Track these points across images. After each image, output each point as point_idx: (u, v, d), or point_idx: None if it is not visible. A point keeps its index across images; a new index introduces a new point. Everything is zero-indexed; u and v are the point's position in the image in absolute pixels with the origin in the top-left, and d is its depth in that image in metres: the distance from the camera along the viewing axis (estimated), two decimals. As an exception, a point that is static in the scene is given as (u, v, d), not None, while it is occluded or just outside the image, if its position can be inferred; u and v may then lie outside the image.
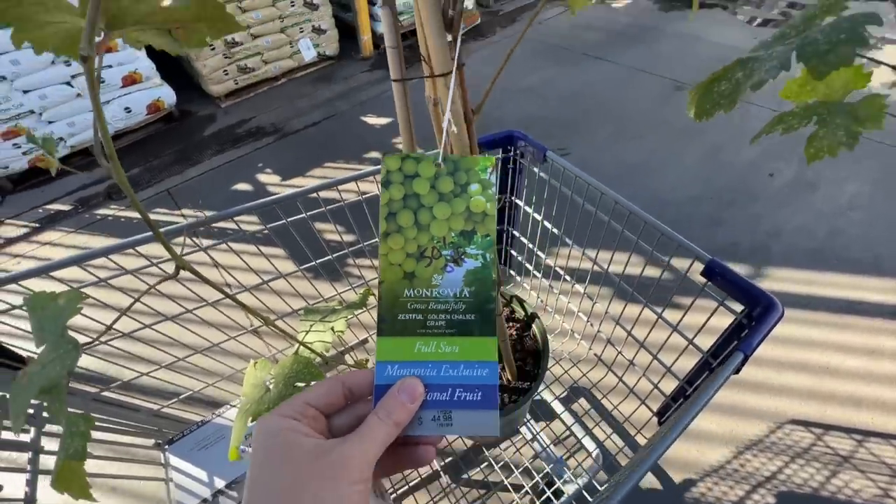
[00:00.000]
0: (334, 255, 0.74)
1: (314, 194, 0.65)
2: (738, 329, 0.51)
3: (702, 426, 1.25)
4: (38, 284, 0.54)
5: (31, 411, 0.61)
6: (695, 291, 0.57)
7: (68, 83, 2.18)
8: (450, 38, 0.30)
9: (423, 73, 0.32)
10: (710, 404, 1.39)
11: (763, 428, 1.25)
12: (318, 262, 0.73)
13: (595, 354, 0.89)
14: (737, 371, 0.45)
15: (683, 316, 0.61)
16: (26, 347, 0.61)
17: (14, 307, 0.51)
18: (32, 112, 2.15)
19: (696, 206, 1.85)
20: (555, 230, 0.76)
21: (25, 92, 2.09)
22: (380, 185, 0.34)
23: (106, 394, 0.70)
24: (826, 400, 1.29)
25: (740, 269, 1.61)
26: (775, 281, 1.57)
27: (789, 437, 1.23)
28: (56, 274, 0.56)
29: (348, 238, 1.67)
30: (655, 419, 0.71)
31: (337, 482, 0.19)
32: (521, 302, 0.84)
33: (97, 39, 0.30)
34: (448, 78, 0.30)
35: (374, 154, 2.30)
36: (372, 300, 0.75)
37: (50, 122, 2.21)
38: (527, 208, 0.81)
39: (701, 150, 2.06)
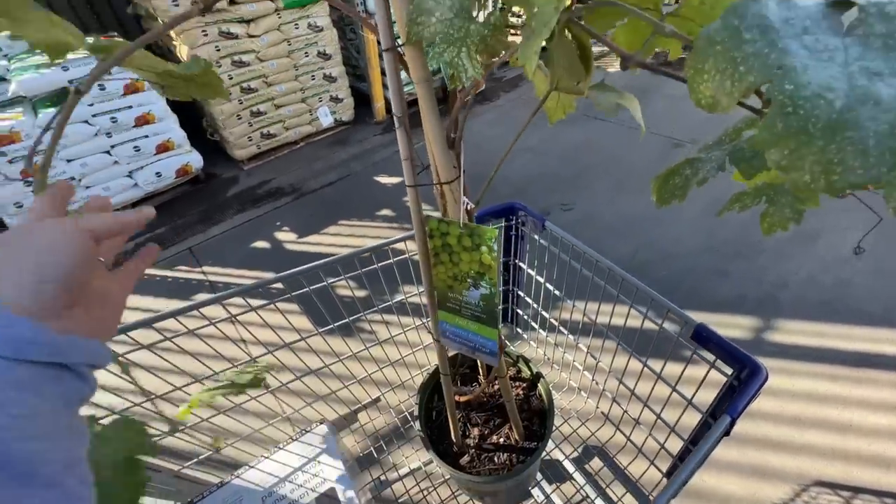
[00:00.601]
0: (351, 318, 0.79)
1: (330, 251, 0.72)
2: (730, 390, 0.53)
3: (723, 488, 1.20)
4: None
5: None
6: (692, 347, 0.61)
7: (107, 152, 2.38)
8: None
9: (432, 181, 0.39)
10: (731, 464, 1.33)
11: (787, 490, 1.20)
12: (336, 324, 0.78)
13: (602, 412, 0.90)
14: (727, 433, 0.47)
15: (681, 375, 0.63)
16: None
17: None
18: (73, 178, 2.33)
19: (700, 258, 1.88)
20: (556, 292, 0.81)
21: (69, 161, 2.29)
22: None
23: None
24: (851, 460, 1.24)
25: (748, 321, 1.62)
26: (786, 333, 1.56)
27: (816, 500, 1.18)
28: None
29: (360, 294, 1.73)
30: (665, 480, 0.71)
31: (59, 224, 0.30)
32: (526, 362, 0.87)
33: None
34: (453, 183, 0.37)
35: (386, 211, 2.41)
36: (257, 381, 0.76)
37: (88, 187, 2.38)
38: (529, 271, 0.86)
39: (701, 203, 2.13)
